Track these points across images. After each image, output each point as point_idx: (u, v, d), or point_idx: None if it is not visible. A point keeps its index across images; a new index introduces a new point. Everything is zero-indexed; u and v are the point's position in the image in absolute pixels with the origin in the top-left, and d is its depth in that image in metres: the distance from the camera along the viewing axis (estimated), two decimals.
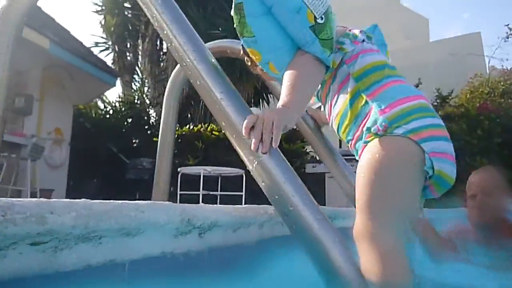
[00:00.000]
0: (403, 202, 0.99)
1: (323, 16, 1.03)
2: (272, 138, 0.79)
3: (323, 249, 0.73)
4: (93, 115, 10.33)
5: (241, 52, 1.29)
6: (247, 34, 1.04)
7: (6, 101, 1.27)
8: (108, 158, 9.48)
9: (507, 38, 11.07)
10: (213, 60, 0.92)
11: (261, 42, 1.04)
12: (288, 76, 1.00)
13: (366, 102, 1.06)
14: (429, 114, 1.04)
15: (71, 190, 8.54)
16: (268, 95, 10.63)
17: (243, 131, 0.81)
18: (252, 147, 0.80)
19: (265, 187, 0.80)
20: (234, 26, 1.07)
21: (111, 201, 0.67)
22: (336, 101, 1.11)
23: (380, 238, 0.85)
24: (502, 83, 10.79)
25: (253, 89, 9.41)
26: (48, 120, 8.09)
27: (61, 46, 7.08)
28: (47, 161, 7.86)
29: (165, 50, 10.39)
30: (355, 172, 1.18)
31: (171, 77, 1.79)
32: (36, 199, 0.58)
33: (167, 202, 0.80)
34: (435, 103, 9.24)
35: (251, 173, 0.83)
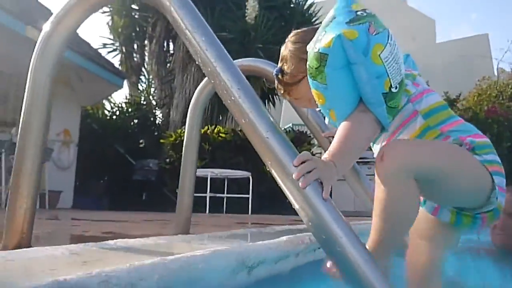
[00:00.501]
0: None
1: (398, 85, 1.03)
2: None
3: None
4: (100, 116, 10.37)
5: (274, 76, 1.28)
6: (320, 80, 1.04)
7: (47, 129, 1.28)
8: (115, 159, 9.52)
9: None
10: (256, 97, 0.93)
11: (331, 91, 1.04)
12: (344, 130, 1.01)
13: (441, 133, 1.09)
14: (495, 152, 1.08)
15: (78, 191, 8.58)
16: (274, 97, 10.64)
17: (296, 175, 0.82)
18: (300, 185, 0.81)
19: (311, 226, 0.81)
20: (309, 65, 1.05)
21: (181, 255, 0.68)
22: (399, 135, 1.13)
23: None
24: (510, 86, 10.73)
25: (260, 90, 9.42)
26: (56, 122, 8.12)
27: (71, 49, 7.10)
28: (55, 162, 7.90)
29: (172, 52, 10.42)
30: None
31: (195, 93, 1.78)
32: (125, 266, 0.59)
33: (225, 248, 0.81)
34: None
35: (297, 212, 0.84)
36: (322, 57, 1.00)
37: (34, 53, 1.27)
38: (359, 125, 1.02)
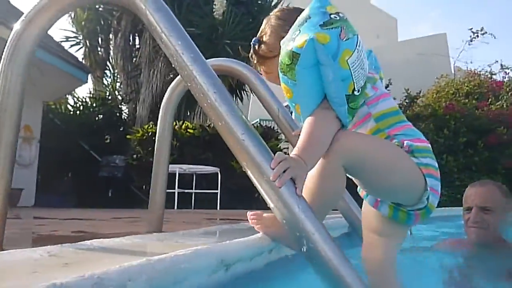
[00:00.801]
0: None
1: (360, 89, 1.10)
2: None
3: (342, 283, 0.80)
4: (63, 111, 10.06)
5: (251, 45, 1.33)
6: (290, 77, 1.10)
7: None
8: (79, 155, 9.29)
9: (471, 41, 11.53)
10: (231, 100, 0.97)
11: (299, 88, 1.10)
12: (309, 126, 1.09)
13: (388, 136, 1.21)
14: (433, 156, 1.17)
15: (41, 189, 8.33)
16: (242, 92, 10.67)
17: (273, 176, 0.87)
18: (277, 185, 0.86)
19: (285, 224, 0.86)
20: (281, 61, 1.11)
21: (165, 255, 0.71)
22: None
23: None
24: (466, 84, 11.25)
25: (228, 86, 9.45)
26: None
27: None
28: (16, 159, 7.62)
29: (138, 46, 10.24)
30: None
31: (167, 91, 1.79)
32: (115, 268, 0.61)
33: (205, 247, 0.84)
34: (405, 103, 9.52)
35: (272, 210, 0.89)
36: (294, 55, 1.07)
37: (4, 52, 1.25)
38: (323, 121, 1.09)
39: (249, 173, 0.90)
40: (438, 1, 32.70)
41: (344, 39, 1.08)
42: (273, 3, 9.39)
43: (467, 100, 10.42)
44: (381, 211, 1.24)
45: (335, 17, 1.11)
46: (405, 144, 1.17)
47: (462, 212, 1.96)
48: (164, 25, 1.06)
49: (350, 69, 1.08)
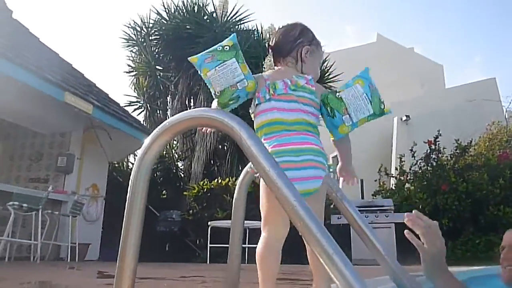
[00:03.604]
0: None
1: (220, 92, 1.64)
2: None
3: None
4: (125, 169, 10.83)
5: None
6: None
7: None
8: None
9: None
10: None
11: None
12: None
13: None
14: (290, 154, 1.59)
15: (104, 243, 8.89)
16: None
17: None
18: None
19: None
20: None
21: None
22: None
23: None
24: None
25: None
26: (86, 177, 8.60)
27: (102, 110, 7.67)
28: (84, 216, 8.27)
29: (193, 107, 11.02)
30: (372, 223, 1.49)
31: (238, 181, 2.15)
32: None
33: None
34: (456, 153, 9.42)
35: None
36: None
37: (135, 165, 1.64)
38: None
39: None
40: (482, 46, 32.30)
41: (206, 62, 1.63)
42: None
43: None
44: None
45: (218, 47, 1.67)
46: None
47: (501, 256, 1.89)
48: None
49: (208, 79, 1.62)
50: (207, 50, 1.68)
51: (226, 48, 1.65)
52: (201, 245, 8.81)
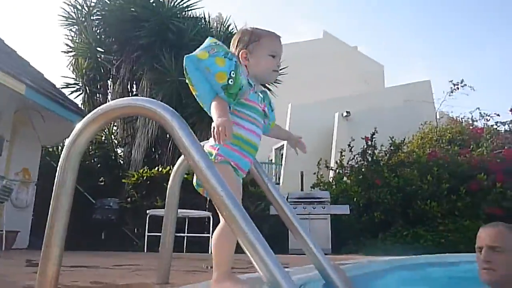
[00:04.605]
0: None
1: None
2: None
3: None
4: (60, 154, 10.30)
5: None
6: (189, 82, 1.77)
7: None
8: (74, 198, 9.44)
9: (451, 92, 12.21)
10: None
11: (197, 87, 1.77)
12: (212, 108, 1.71)
13: None
14: (240, 148, 1.77)
15: (35, 231, 8.46)
16: None
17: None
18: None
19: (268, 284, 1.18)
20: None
21: None
22: None
23: None
24: (449, 131, 11.76)
25: None
26: (16, 161, 8.11)
27: (36, 91, 7.25)
28: (13, 202, 7.82)
29: (135, 92, 10.70)
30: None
31: (174, 169, 2.14)
32: None
33: None
34: (390, 150, 9.94)
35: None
36: (185, 68, 1.77)
37: (63, 151, 1.59)
38: (216, 103, 1.71)
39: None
40: (422, 51, 34.19)
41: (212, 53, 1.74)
42: None
43: (449, 147, 10.84)
44: None
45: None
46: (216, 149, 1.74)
47: (476, 255, 1.99)
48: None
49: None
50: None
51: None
52: (139, 234, 8.65)
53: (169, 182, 2.11)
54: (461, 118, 13.24)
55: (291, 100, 17.23)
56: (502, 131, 11.07)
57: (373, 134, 9.82)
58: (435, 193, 8.83)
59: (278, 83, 9.68)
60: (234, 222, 1.19)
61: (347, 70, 20.56)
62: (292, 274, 1.52)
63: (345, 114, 15.94)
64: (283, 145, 17.00)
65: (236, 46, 1.88)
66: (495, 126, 11.48)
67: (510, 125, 11.25)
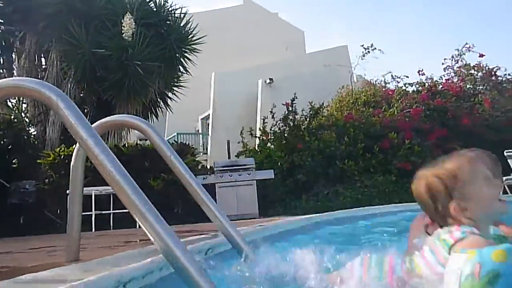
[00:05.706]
0: None
1: None
2: None
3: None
4: None
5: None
6: None
7: None
8: None
9: (363, 56, 12.84)
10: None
11: None
12: None
13: None
14: None
15: None
16: (157, 110, 10.84)
17: None
18: None
19: (163, 254, 1.25)
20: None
21: (83, 281, 1.06)
22: None
23: None
24: (364, 94, 12.46)
25: (141, 105, 9.61)
26: None
27: None
28: None
29: (44, 66, 9.97)
30: None
31: (76, 147, 2.09)
32: None
33: (107, 273, 1.20)
34: (309, 115, 10.36)
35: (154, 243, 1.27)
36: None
37: None
38: None
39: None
40: (341, 15, 35.29)
41: None
42: (182, 23, 9.72)
43: (364, 109, 11.54)
44: None
45: None
46: None
47: None
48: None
49: None
50: None
51: None
52: (61, 215, 8.31)
53: (72, 161, 2.07)
54: (375, 81, 14.01)
55: (214, 69, 17.11)
56: (410, 92, 11.93)
57: (293, 99, 10.14)
58: (352, 153, 9.43)
59: (198, 51, 9.55)
60: (125, 195, 1.23)
61: (269, 37, 20.72)
62: (200, 241, 1.60)
63: (268, 81, 16.19)
64: (209, 115, 16.98)
65: None
66: (404, 88, 12.34)
67: (417, 86, 12.15)
